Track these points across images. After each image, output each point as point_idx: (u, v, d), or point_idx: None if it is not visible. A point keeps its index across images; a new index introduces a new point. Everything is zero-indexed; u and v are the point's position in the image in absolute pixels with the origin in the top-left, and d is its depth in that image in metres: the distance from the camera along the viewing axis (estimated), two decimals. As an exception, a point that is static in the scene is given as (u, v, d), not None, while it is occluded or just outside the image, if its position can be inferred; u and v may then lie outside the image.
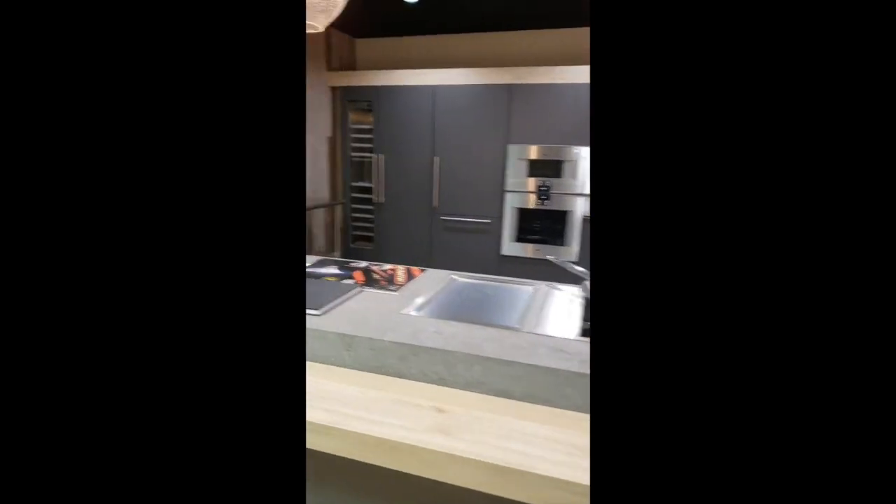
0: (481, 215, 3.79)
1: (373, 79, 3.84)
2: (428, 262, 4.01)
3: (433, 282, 1.47)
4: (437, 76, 3.68)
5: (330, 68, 3.98)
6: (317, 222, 4.02)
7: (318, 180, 4.01)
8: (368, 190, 4.16)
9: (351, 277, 1.43)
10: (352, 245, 4.25)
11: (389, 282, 1.39)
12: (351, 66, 4.29)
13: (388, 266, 1.58)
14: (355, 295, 1.29)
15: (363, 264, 1.58)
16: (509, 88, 3.52)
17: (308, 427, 0.91)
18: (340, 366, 1.09)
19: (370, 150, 4.04)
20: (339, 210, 4.24)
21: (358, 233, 4.29)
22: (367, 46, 4.27)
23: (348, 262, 1.60)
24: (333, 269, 1.50)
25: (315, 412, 0.91)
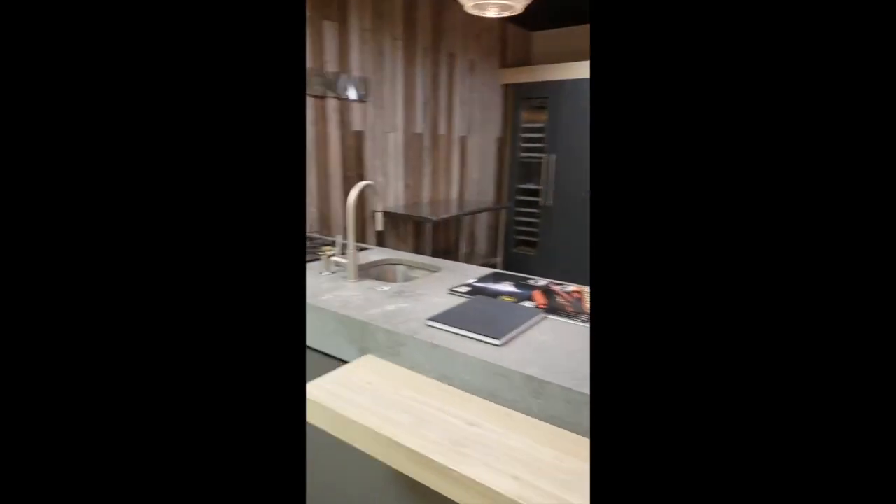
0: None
1: (549, 73, 3.60)
2: (596, 273, 3.63)
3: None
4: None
5: (504, 65, 3.86)
6: (479, 225, 3.96)
7: (485, 182, 3.94)
8: (535, 192, 3.94)
9: (530, 298, 1.22)
10: (514, 250, 4.10)
11: (577, 309, 1.15)
12: (526, 61, 4.11)
13: (572, 287, 1.33)
14: (538, 323, 1.08)
15: (542, 282, 1.36)
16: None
17: (489, 497, 0.73)
18: (527, 413, 0.90)
19: (541, 151, 3.82)
20: (502, 213, 4.11)
21: (521, 237, 4.11)
22: (543, 39, 4.05)
23: (526, 279, 1.40)
24: (509, 287, 1.31)
25: (498, 478, 0.73)
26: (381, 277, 1.65)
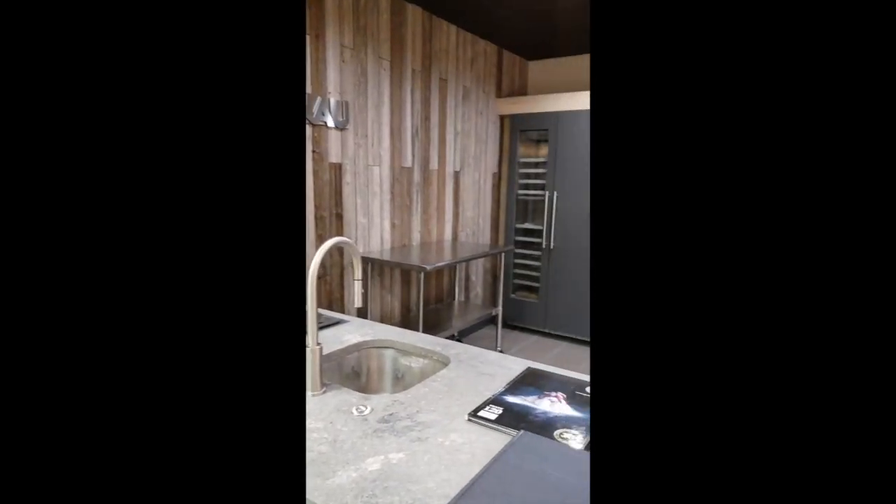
0: (688, 271, 2.89)
1: (548, 104, 3.26)
2: (608, 324, 3.20)
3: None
4: (633, 95, 2.95)
5: (500, 94, 3.52)
6: (475, 268, 3.52)
7: (481, 223, 3.53)
8: (535, 233, 3.54)
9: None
10: (512, 295, 3.65)
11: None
12: (523, 91, 3.79)
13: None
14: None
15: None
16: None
17: None
18: None
19: (541, 188, 3.44)
20: (501, 255, 3.69)
21: (520, 281, 3.68)
22: (540, 69, 3.74)
23: (586, 387, 0.94)
24: (558, 402, 0.85)
25: None
26: (359, 370, 1.18)
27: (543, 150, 3.46)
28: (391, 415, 0.80)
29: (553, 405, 0.83)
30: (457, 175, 3.17)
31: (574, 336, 3.39)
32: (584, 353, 3.20)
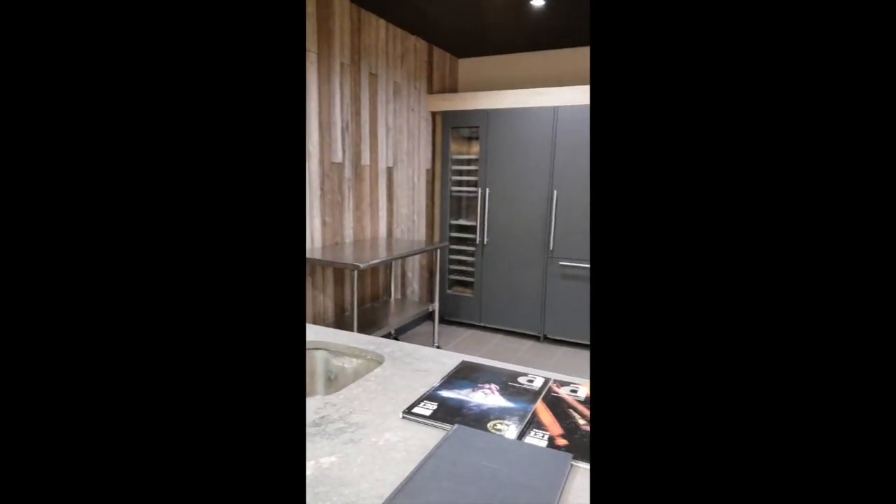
0: (611, 262, 3.06)
1: (480, 101, 3.31)
2: (541, 315, 3.32)
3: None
4: (560, 95, 3.07)
5: (431, 91, 3.52)
6: (411, 265, 3.50)
7: (416, 219, 3.52)
8: (469, 229, 3.59)
9: (533, 421, 0.79)
10: (448, 291, 3.68)
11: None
12: (453, 88, 3.82)
13: (577, 384, 0.92)
14: (566, 481, 0.64)
15: (539, 382, 0.93)
16: (653, 106, 2.82)
17: None
18: None
19: (473, 184, 3.49)
20: (437, 252, 3.71)
21: (456, 277, 3.72)
22: (473, 66, 3.79)
23: (516, 377, 0.97)
24: (493, 395, 0.87)
25: None
26: (290, 371, 1.13)
27: (475, 148, 3.51)
28: (322, 417, 0.78)
29: (487, 397, 0.84)
30: (390, 171, 3.14)
31: (508, 329, 3.48)
32: (518, 345, 3.30)
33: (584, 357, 3.12)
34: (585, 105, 3.00)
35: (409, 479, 0.60)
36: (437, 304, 3.14)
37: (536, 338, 3.43)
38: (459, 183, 3.58)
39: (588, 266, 3.11)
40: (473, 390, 0.87)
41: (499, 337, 3.46)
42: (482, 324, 3.57)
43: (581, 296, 3.20)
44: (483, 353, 3.13)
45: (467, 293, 3.64)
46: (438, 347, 2.98)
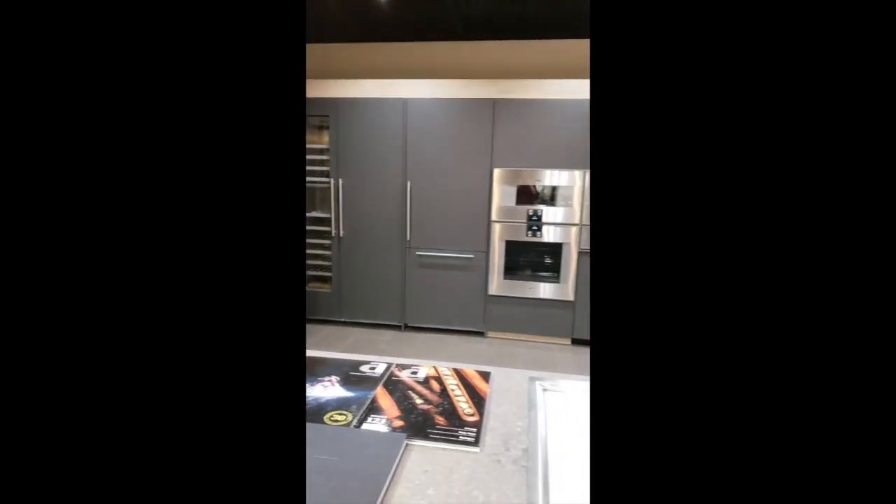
0: (463, 249, 3.23)
1: (330, 89, 3.21)
2: (401, 305, 3.37)
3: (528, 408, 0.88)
4: (409, 88, 3.12)
5: (275, 76, 3.29)
6: (261, 262, 3.26)
7: (261, 211, 3.27)
8: (324, 221, 3.47)
9: (372, 407, 0.80)
10: (305, 287, 3.52)
11: (450, 416, 0.77)
12: (300, 75, 3.62)
13: (424, 370, 0.95)
14: (400, 458, 0.66)
15: (381, 368, 0.94)
16: (494, 103, 3.04)
17: None
18: None
19: (325, 175, 3.38)
20: (288, 246, 3.50)
21: (312, 272, 3.57)
22: (321, 53, 3.64)
23: (358, 365, 0.96)
24: (334, 385, 0.85)
25: None
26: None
27: (326, 137, 3.39)
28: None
29: (326, 389, 0.82)
30: (230, 161, 2.86)
31: (369, 321, 3.47)
32: (378, 336, 3.31)
33: (444, 341, 3.26)
34: (438, 98, 3.10)
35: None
36: (291, 302, 2.98)
37: (398, 327, 3.48)
38: (311, 173, 3.43)
39: (444, 255, 3.24)
40: (312, 384, 0.84)
41: (359, 330, 3.43)
42: (342, 318, 3.49)
43: (439, 283, 3.33)
44: (343, 348, 3.07)
45: (325, 288, 3.53)
46: (295, 347, 2.84)
